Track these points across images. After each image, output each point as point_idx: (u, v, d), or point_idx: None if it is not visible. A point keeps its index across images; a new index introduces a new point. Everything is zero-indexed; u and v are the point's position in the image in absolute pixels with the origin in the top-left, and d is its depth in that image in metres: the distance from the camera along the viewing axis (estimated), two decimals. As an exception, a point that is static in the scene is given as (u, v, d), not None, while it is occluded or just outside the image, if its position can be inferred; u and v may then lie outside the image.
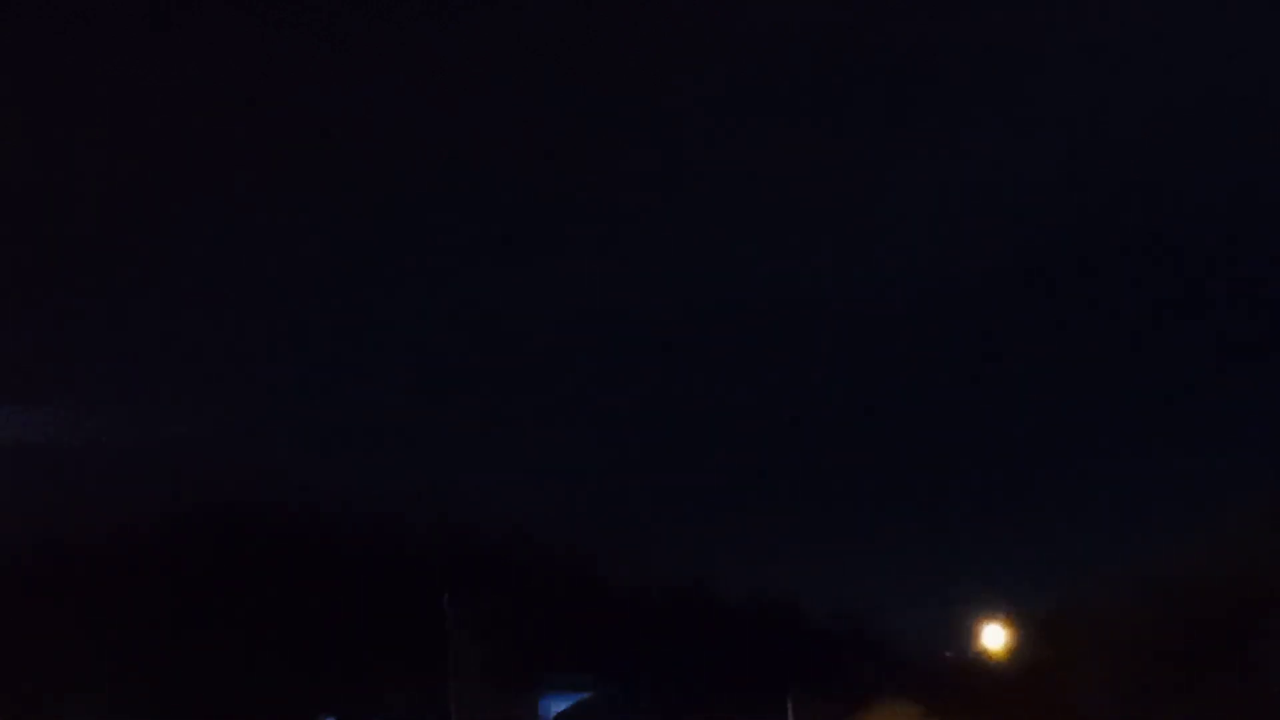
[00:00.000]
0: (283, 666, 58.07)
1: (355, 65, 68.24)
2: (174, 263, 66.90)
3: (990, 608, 57.31)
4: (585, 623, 62.29)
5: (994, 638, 57.17)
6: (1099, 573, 52.56)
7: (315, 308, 69.49)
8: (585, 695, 62.87)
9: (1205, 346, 64.45)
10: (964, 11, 67.06)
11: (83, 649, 56.05)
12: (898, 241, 67.16)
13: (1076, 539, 57.43)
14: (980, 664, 57.72)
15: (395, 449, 65.34)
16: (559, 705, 62.48)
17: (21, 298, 62.54)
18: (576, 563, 64.23)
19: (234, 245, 67.12)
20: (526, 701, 61.54)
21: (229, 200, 67.39)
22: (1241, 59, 66.32)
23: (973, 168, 68.89)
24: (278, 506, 61.84)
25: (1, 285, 61.02)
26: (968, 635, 59.16)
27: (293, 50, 67.08)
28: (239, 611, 57.12)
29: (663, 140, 69.06)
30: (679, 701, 60.05)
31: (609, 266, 67.58)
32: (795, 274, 68.26)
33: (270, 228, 68.42)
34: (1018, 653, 56.25)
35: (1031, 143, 69.21)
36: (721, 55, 68.22)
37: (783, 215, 68.90)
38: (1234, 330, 64.60)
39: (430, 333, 69.21)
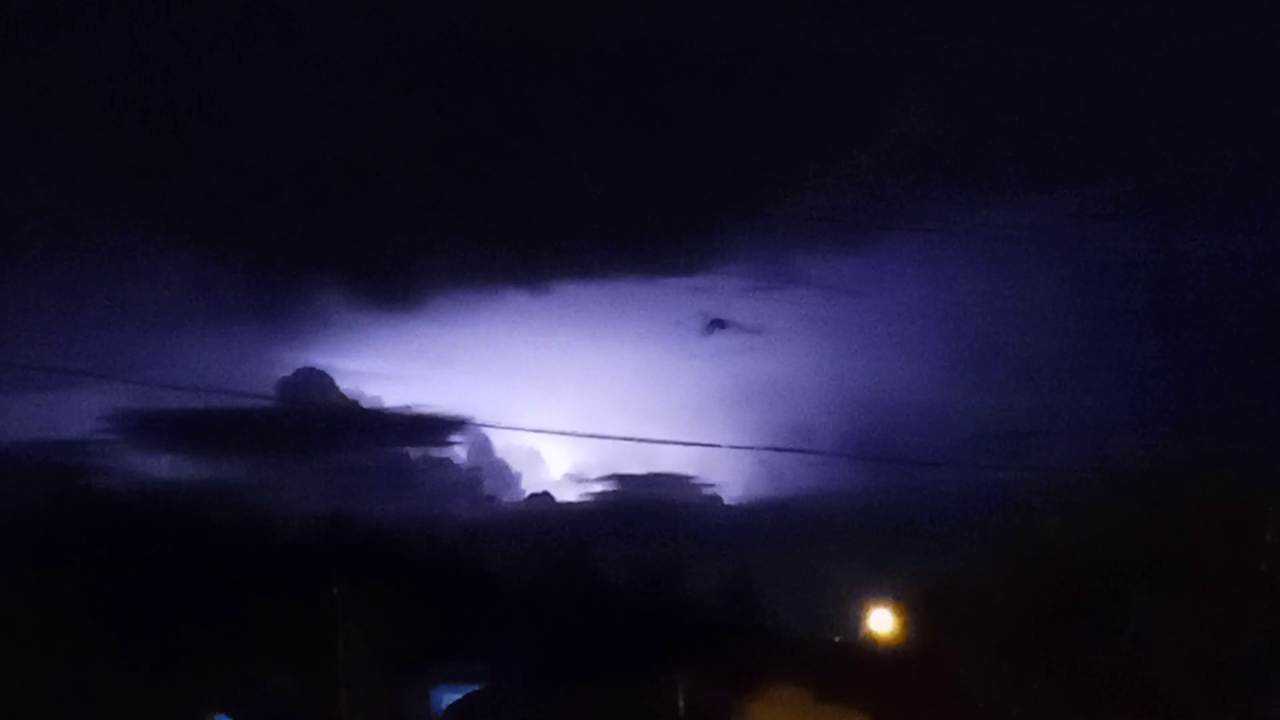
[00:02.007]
0: (168, 658, 57.83)
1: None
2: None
3: (876, 591, 57.69)
4: (475, 612, 62.44)
5: (880, 621, 57.51)
6: (979, 551, 52.87)
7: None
8: (477, 686, 63.00)
9: (1092, 313, 64.90)
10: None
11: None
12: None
13: (957, 515, 57.80)
14: (867, 647, 58.06)
15: (284, 437, 65.35)
16: (451, 696, 62.56)
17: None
18: (464, 552, 64.40)
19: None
20: (417, 691, 61.58)
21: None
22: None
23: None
24: (159, 496, 61.71)
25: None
26: (855, 619, 59.61)
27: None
28: (120, 605, 56.63)
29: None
30: (570, 688, 60.21)
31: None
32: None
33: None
34: (904, 635, 56.58)
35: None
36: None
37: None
38: (1122, 297, 65.10)
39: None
